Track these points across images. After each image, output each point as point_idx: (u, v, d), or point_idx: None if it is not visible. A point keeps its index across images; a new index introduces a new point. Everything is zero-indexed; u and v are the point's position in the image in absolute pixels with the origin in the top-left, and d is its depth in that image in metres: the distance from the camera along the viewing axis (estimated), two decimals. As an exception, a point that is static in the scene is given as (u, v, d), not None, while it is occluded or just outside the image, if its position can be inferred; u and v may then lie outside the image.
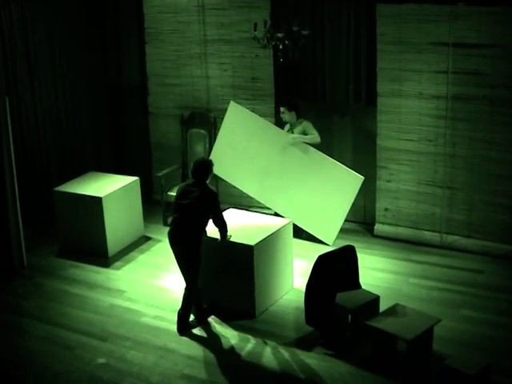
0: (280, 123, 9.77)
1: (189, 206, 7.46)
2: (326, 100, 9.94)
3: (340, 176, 9.32)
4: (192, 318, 7.82)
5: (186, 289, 7.65)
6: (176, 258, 7.68)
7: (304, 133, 9.41)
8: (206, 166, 7.65)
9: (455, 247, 9.30)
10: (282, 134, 9.57)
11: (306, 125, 9.43)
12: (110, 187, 9.63)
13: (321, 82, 9.87)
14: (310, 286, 7.19)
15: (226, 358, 7.21)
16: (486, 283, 8.45)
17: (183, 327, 7.69)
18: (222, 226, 7.65)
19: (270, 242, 8.00)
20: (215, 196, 7.66)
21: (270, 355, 7.22)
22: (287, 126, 9.63)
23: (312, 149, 9.39)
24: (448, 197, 9.24)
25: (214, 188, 7.81)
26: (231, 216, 8.09)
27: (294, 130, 9.49)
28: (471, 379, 6.11)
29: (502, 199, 8.94)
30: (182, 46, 10.67)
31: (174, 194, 10.07)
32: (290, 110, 9.46)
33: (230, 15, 10.16)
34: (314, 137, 9.37)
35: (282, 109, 9.52)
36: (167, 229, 10.18)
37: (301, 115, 9.55)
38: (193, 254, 7.52)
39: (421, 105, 9.15)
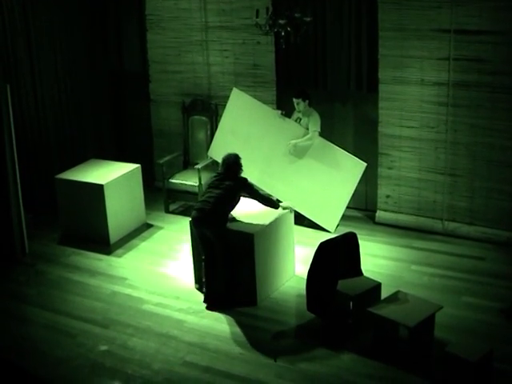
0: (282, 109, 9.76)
1: (219, 195, 7.73)
2: (327, 87, 9.91)
3: (342, 162, 9.33)
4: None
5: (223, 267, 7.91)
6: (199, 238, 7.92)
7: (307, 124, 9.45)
8: (237, 162, 7.89)
9: (457, 234, 9.30)
10: (283, 121, 9.57)
11: (312, 118, 9.42)
12: (111, 174, 9.62)
13: (322, 69, 9.85)
14: (312, 273, 7.19)
15: (227, 345, 7.22)
16: (487, 270, 8.46)
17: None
18: (268, 203, 8.09)
19: (270, 229, 8.00)
20: (247, 181, 7.94)
21: (271, 342, 7.24)
22: (295, 115, 9.62)
23: (314, 135, 9.42)
24: (449, 184, 9.24)
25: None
26: None
27: (302, 119, 9.49)
28: (472, 366, 6.13)
29: (503, 186, 8.93)
30: (183, 32, 10.65)
31: (176, 181, 10.20)
32: (304, 100, 9.43)
33: (232, 2, 10.13)
34: (310, 137, 9.37)
35: (296, 100, 9.45)
36: (169, 216, 10.37)
37: (312, 103, 9.52)
38: (223, 232, 7.79)
39: (422, 91, 9.13)
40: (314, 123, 9.38)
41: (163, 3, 10.63)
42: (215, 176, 7.98)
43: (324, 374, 6.66)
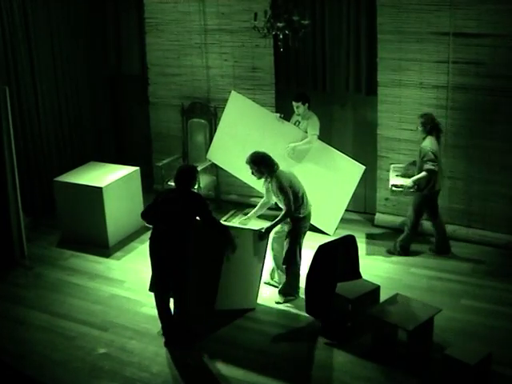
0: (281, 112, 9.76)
1: (174, 215, 6.95)
2: (326, 89, 9.93)
3: (341, 165, 9.33)
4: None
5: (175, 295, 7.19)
6: (158, 261, 7.09)
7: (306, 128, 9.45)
8: (191, 173, 7.13)
9: (455, 237, 9.28)
10: (282, 124, 9.57)
11: (311, 121, 9.41)
12: (110, 177, 9.62)
13: (321, 72, 9.86)
14: (311, 276, 7.19)
15: (226, 347, 7.21)
16: (486, 273, 8.46)
17: (172, 338, 7.32)
18: (221, 229, 7.22)
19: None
20: (201, 198, 7.16)
21: (270, 344, 7.24)
22: (294, 118, 9.62)
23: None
24: (448, 186, 9.23)
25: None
26: None
27: (302, 122, 9.49)
28: (471, 369, 6.12)
29: (502, 189, 8.93)
30: (182, 35, 10.64)
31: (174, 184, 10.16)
32: (303, 104, 9.43)
33: (230, 5, 10.13)
34: (309, 140, 9.38)
35: (295, 104, 9.43)
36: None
37: (311, 106, 9.51)
38: (180, 258, 6.99)
39: (421, 94, 9.13)
40: (313, 127, 9.38)
41: (162, 6, 10.63)
42: (168, 194, 7.27)
43: (323, 377, 6.66)
